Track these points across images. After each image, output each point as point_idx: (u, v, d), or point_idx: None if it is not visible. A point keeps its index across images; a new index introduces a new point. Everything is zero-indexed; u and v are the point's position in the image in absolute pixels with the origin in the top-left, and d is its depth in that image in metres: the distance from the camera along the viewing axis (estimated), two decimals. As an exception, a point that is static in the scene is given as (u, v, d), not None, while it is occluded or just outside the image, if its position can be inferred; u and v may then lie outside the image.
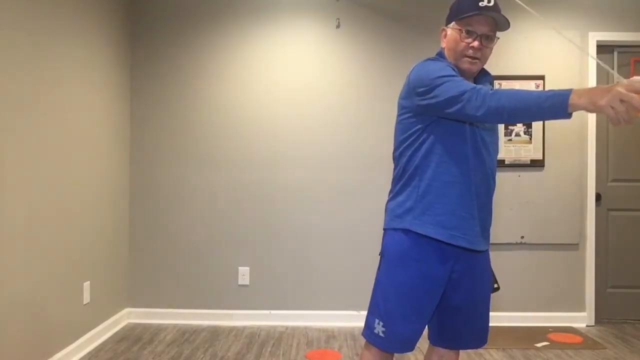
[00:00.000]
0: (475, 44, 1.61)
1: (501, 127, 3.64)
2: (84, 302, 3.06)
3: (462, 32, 1.62)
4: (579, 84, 3.67)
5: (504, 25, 1.63)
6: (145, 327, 3.56)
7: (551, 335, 3.44)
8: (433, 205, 1.63)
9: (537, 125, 3.65)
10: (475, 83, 1.71)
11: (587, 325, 3.69)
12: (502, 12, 1.64)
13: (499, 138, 1.89)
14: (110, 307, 3.44)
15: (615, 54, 3.76)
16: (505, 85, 3.63)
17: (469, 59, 1.62)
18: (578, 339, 3.39)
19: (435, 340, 1.78)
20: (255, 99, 3.72)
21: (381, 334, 1.65)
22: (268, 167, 3.72)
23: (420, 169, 1.66)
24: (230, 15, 3.73)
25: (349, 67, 3.72)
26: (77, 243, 2.97)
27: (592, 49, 3.68)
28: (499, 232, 3.66)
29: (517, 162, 3.65)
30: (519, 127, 3.65)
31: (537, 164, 3.66)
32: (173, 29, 3.72)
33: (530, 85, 3.64)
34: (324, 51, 3.72)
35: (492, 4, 1.60)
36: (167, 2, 3.74)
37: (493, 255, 3.66)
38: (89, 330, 3.12)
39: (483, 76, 1.75)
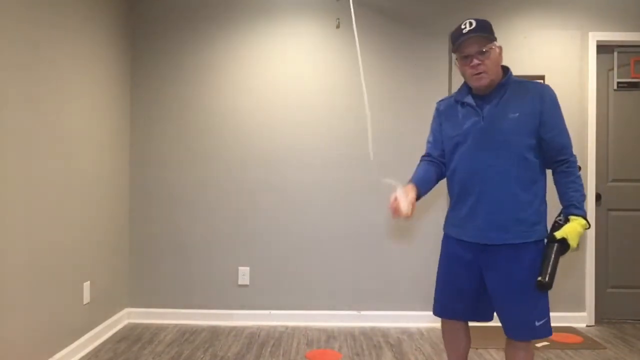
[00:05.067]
0: (472, 63, 1.91)
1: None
2: (84, 302, 3.06)
3: (460, 59, 1.96)
4: (579, 83, 3.67)
5: (489, 39, 1.91)
6: (145, 327, 3.56)
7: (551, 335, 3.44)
8: (450, 209, 2.13)
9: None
10: (496, 92, 1.97)
11: (587, 325, 3.69)
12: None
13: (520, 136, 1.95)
14: (110, 307, 3.44)
15: (615, 54, 3.76)
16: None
17: (475, 77, 1.94)
18: (578, 339, 3.39)
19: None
20: (255, 99, 3.72)
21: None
22: (268, 167, 3.72)
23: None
24: (231, 15, 3.73)
25: (350, 67, 3.72)
26: (77, 243, 2.97)
27: (592, 49, 3.69)
28: (499, 232, 3.66)
29: (517, 162, 3.63)
30: (519, 127, 3.65)
31: (537, 164, 3.65)
32: (174, 30, 3.73)
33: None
34: (324, 51, 3.72)
35: (473, 26, 1.89)
36: (168, 2, 3.74)
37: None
38: (89, 330, 3.13)
39: (502, 84, 1.98)
